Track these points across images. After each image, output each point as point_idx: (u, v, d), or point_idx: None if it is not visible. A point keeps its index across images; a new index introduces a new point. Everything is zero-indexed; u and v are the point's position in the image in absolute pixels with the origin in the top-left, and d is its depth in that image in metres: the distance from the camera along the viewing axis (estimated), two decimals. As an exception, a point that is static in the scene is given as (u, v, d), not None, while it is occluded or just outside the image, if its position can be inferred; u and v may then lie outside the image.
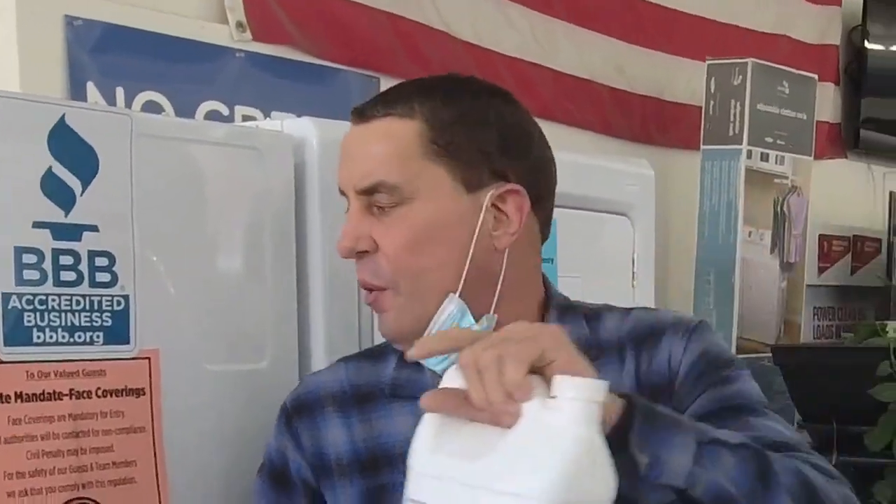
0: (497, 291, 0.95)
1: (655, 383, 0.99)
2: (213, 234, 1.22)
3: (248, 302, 1.24)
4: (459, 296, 0.93)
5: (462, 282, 0.94)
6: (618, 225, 1.73)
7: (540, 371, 0.73)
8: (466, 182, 0.96)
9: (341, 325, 1.33)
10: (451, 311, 0.92)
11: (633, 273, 1.76)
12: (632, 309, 1.09)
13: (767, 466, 0.87)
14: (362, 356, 1.10)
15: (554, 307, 1.04)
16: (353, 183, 0.96)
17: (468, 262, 0.94)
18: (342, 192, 0.99)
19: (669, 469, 0.82)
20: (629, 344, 1.02)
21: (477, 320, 0.93)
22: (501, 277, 0.96)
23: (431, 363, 0.94)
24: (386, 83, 2.14)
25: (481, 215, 0.96)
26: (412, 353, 0.82)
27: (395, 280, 0.95)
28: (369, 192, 0.95)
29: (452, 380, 0.71)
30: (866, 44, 3.26)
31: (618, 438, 0.80)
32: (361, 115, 0.98)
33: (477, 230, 0.95)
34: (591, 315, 1.04)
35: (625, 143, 2.65)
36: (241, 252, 1.25)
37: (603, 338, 1.03)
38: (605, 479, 0.71)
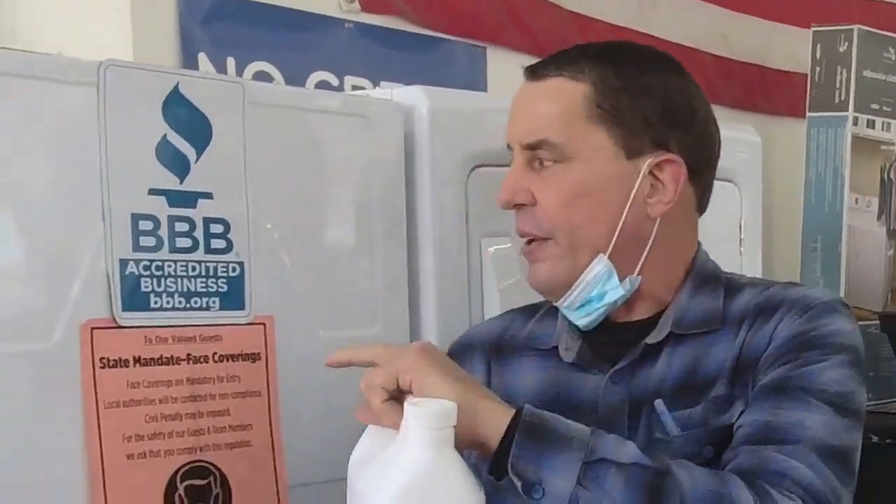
0: (644, 256, 0.96)
1: (752, 356, 0.97)
2: (325, 203, 1.22)
3: (360, 269, 1.24)
4: (609, 257, 0.94)
5: (613, 243, 0.95)
6: (725, 191, 1.66)
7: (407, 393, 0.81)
8: (627, 148, 0.96)
9: (451, 290, 1.33)
10: (599, 271, 0.94)
11: (741, 240, 1.75)
12: (774, 284, 1.05)
13: (661, 488, 0.84)
14: (525, 309, 1.12)
15: (691, 278, 1.02)
16: (518, 138, 0.98)
17: (620, 224, 0.95)
18: (509, 146, 1.00)
19: (551, 491, 0.82)
20: (750, 316, 0.99)
21: (622, 281, 0.95)
22: (650, 243, 0.96)
23: (575, 317, 0.99)
24: (492, 53, 2.17)
25: (638, 181, 0.96)
26: (327, 360, 0.90)
27: (553, 232, 0.96)
28: (533, 147, 0.96)
29: None
30: None
31: (499, 458, 0.82)
32: (534, 73, 0.99)
33: (632, 195, 0.96)
34: (733, 288, 1.03)
35: (730, 111, 2.60)
36: (353, 220, 1.26)
37: (731, 310, 1.01)
38: (452, 499, 0.75)
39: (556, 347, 1.03)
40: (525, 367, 1.05)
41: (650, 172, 0.96)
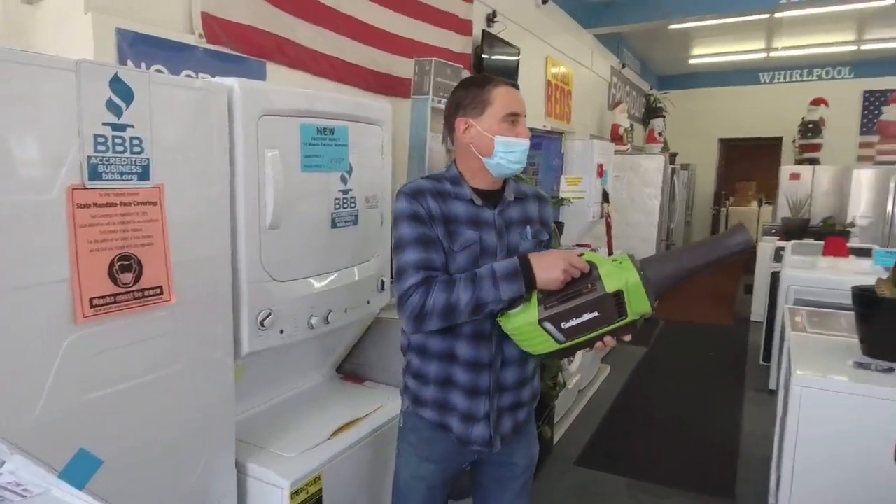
0: None
1: (544, 217, 1.68)
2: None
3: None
4: None
5: None
6: (376, 130, 2.16)
7: None
8: None
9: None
10: None
11: (383, 155, 2.19)
12: (522, 180, 1.74)
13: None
14: (432, 178, 1.61)
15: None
16: (523, 111, 1.57)
17: None
18: (516, 113, 1.56)
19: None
20: (534, 197, 1.69)
21: None
22: None
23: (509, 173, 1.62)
24: (270, 66, 2.71)
25: None
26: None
27: None
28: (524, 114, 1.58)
29: None
30: (482, 55, 4.65)
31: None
32: (514, 86, 1.59)
33: None
34: (514, 180, 1.69)
35: (380, 96, 3.50)
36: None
37: (523, 192, 1.69)
38: None
39: (471, 199, 1.58)
40: (457, 205, 1.56)
41: None
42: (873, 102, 10.16)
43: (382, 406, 2.25)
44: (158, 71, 2.18)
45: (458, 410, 1.59)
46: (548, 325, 1.44)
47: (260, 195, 1.71)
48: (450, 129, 1.62)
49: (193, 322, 1.57)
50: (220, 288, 1.65)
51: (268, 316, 1.77)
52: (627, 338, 1.45)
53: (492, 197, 1.60)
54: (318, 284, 1.95)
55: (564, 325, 1.43)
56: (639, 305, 1.41)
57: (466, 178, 1.60)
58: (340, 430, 2.03)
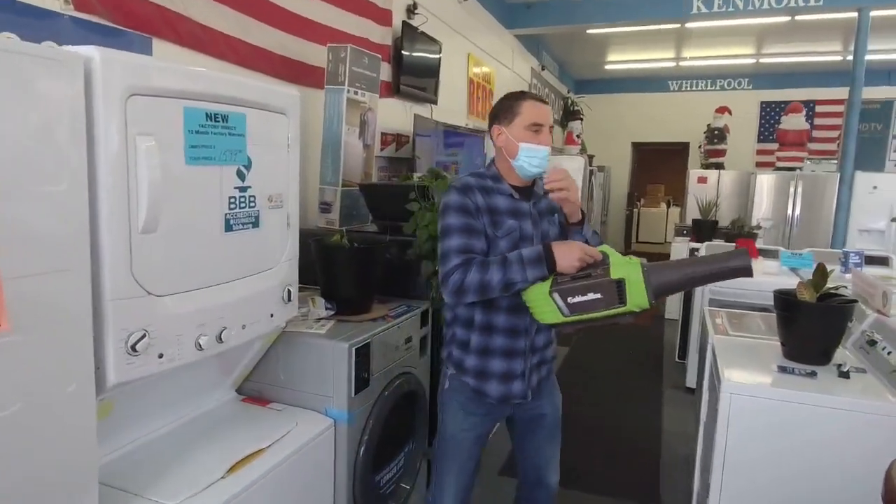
0: None
1: (555, 209, 1.90)
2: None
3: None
4: None
5: None
6: (280, 120, 1.84)
7: None
8: None
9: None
10: None
11: (289, 147, 1.86)
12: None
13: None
14: (476, 175, 1.85)
15: None
16: (548, 122, 1.81)
17: None
18: (540, 124, 1.80)
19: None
20: (545, 194, 1.87)
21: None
22: None
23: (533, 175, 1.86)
24: (156, 42, 2.31)
25: None
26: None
27: None
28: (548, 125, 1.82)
29: None
30: (402, 50, 4.50)
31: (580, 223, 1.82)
32: (542, 100, 1.83)
33: None
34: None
35: (288, 83, 3.21)
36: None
37: (541, 188, 1.89)
38: None
39: (511, 194, 1.83)
40: (499, 198, 1.81)
41: None
42: (769, 112, 10.57)
43: (290, 431, 1.96)
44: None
45: (496, 373, 1.85)
46: (556, 297, 1.62)
47: (130, 192, 1.39)
48: (490, 135, 1.86)
49: (36, 352, 1.22)
50: (74, 307, 1.30)
51: (141, 338, 1.44)
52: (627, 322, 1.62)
53: (525, 192, 1.86)
54: (207, 298, 1.63)
55: (570, 300, 1.60)
56: (638, 298, 1.57)
57: (503, 176, 1.85)
58: (239, 464, 1.74)
